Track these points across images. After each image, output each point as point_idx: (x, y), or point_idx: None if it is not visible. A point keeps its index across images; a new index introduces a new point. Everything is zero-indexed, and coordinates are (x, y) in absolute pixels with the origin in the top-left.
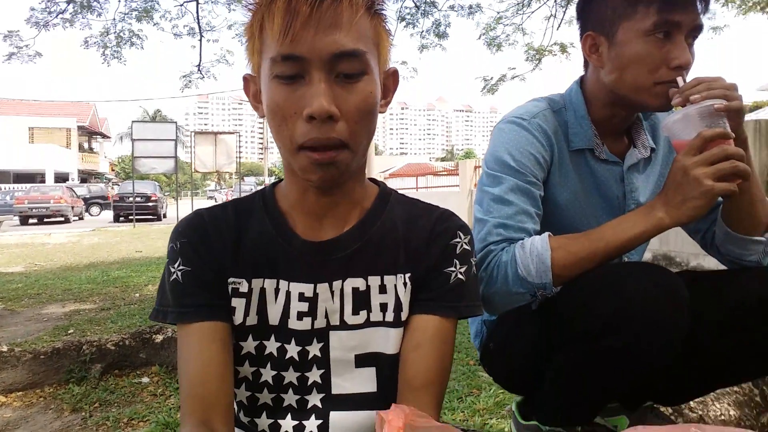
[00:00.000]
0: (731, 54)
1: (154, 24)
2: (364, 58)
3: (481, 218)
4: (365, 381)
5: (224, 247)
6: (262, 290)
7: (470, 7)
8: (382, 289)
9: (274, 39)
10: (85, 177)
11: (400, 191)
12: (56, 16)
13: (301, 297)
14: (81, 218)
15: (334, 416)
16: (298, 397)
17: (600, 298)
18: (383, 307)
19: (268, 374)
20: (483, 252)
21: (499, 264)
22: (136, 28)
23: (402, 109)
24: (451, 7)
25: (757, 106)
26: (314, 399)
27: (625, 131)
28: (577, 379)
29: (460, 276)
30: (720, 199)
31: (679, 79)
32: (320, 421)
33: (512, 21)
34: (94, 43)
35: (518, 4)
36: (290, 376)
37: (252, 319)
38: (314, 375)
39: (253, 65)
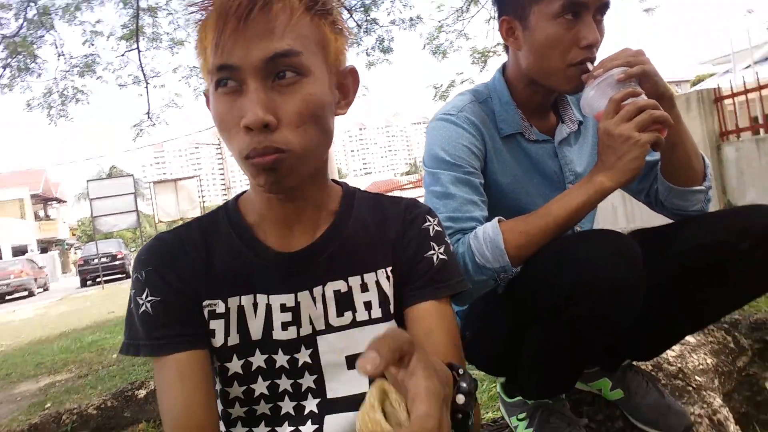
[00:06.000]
0: (675, 31)
1: (98, 77)
2: (300, 58)
3: None
4: (358, 382)
5: (194, 270)
6: (240, 308)
7: (411, 19)
8: (364, 288)
9: (210, 53)
10: (45, 246)
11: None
12: None
13: (284, 308)
14: (46, 289)
15: (329, 419)
16: (294, 403)
17: (558, 272)
18: (368, 306)
19: (261, 387)
20: None
21: (456, 256)
22: (80, 84)
23: (360, 129)
24: (392, 22)
25: (699, 80)
26: (311, 404)
27: (552, 108)
28: (550, 353)
29: (441, 256)
30: (657, 156)
31: (589, 64)
32: (316, 426)
33: (454, 28)
34: (38, 104)
35: (457, 11)
36: (284, 383)
37: (234, 339)
38: (308, 381)
39: (207, 82)
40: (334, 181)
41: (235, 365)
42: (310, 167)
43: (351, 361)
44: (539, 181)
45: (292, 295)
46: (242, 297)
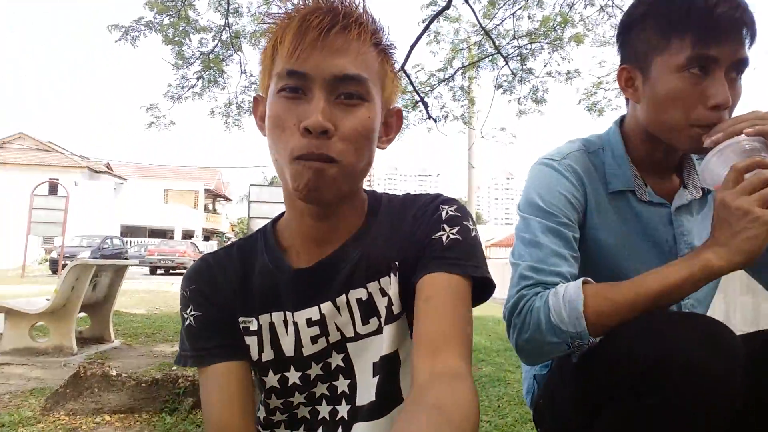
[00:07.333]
0: None
1: None
2: (366, 85)
3: (513, 263)
4: (372, 389)
5: (231, 289)
6: (271, 324)
7: (568, 72)
8: (383, 292)
9: (282, 57)
10: (208, 235)
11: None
12: (188, 90)
13: (310, 322)
14: None
15: (356, 428)
16: (330, 408)
17: (641, 344)
18: (389, 309)
19: (299, 398)
20: (516, 297)
21: (532, 310)
22: None
23: (507, 178)
24: (549, 74)
25: None
26: (343, 410)
27: (675, 170)
28: None
29: (453, 236)
30: None
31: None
32: None
33: (615, 86)
34: (219, 113)
35: None
36: (320, 389)
37: (268, 354)
38: (342, 384)
39: (263, 86)
40: (364, 190)
41: (272, 380)
42: (350, 186)
43: (376, 368)
44: (647, 247)
45: (316, 308)
46: (273, 314)
